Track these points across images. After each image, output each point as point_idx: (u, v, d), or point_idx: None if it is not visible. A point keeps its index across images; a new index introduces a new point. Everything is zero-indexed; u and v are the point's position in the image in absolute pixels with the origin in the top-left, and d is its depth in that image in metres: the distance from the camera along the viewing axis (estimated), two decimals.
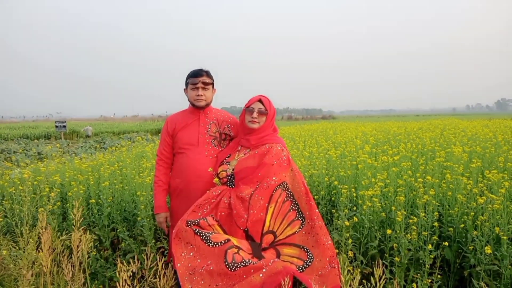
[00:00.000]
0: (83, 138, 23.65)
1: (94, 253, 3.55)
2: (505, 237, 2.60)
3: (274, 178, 2.36)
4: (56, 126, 21.74)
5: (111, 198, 3.99)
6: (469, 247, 2.76)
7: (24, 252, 2.73)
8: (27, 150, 15.24)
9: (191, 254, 2.20)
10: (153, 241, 3.64)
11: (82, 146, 16.36)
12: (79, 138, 23.85)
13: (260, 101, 2.50)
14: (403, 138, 7.35)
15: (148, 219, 3.62)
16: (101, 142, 18.98)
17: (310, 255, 2.25)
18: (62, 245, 2.99)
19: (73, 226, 2.84)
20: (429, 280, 2.60)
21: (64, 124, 21.71)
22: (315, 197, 3.80)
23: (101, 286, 3.49)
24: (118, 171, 4.71)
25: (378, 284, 1.85)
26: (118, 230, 3.78)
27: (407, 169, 3.84)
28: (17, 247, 3.35)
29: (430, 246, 2.60)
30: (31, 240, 2.70)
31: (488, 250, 2.53)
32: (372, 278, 1.90)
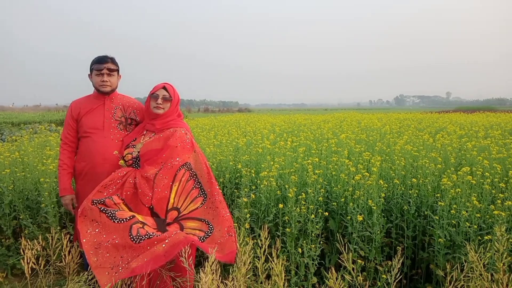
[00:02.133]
0: None
1: None
2: (375, 208, 3.11)
3: (178, 159, 2.58)
4: None
5: (12, 186, 3.89)
6: (348, 218, 3.23)
7: None
8: None
9: (97, 230, 2.34)
10: (58, 228, 3.65)
11: None
12: None
13: (164, 88, 2.69)
14: (305, 129, 7.96)
15: (52, 206, 3.62)
16: None
17: (211, 226, 2.51)
18: None
19: None
20: (313, 246, 3.02)
21: None
22: (221, 180, 4.09)
23: (2, 274, 3.43)
24: (20, 159, 4.56)
25: (264, 245, 2.17)
26: (21, 218, 3.72)
27: (301, 153, 4.29)
28: None
29: (313, 216, 3.02)
30: None
31: (360, 218, 3.02)
32: (259, 241, 2.22)
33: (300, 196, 3.19)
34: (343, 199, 3.40)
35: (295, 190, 3.26)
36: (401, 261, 2.08)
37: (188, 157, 2.63)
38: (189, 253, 2.14)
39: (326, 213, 3.18)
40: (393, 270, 2.08)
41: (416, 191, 3.43)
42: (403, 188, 3.58)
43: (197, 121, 13.24)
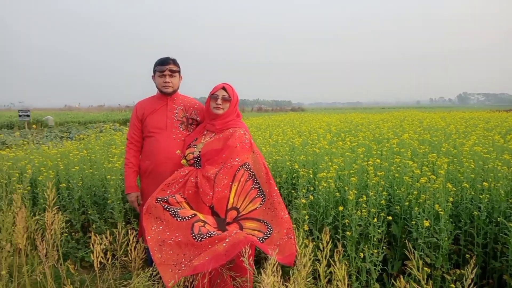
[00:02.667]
0: (48, 128, 23.08)
1: (66, 235, 3.68)
2: (442, 213, 2.94)
3: (237, 159, 2.59)
4: (20, 116, 21.12)
5: (81, 182, 4.11)
6: (412, 223, 3.08)
7: (2, 226, 2.85)
8: None
9: (161, 227, 2.41)
10: (123, 223, 3.81)
11: (47, 136, 16.05)
12: (44, 128, 23.26)
13: (224, 88, 2.72)
14: (363, 128, 7.74)
15: (118, 202, 3.78)
16: (66, 132, 18.64)
17: (270, 227, 2.50)
18: (36, 225, 3.12)
19: (46, 206, 2.97)
20: (376, 251, 2.91)
21: (27, 113, 21.13)
22: (278, 180, 4.07)
23: (73, 266, 3.63)
24: (87, 157, 4.82)
25: (326, 248, 2.11)
26: (89, 213, 3.92)
27: (361, 154, 4.16)
28: None
29: (375, 220, 2.91)
30: (9, 214, 2.82)
31: (426, 223, 2.86)
32: (320, 243, 2.16)
33: (361, 199, 3.09)
34: (407, 203, 3.25)
35: (355, 192, 3.16)
36: (474, 271, 1.93)
37: (247, 157, 2.63)
38: (249, 253, 2.13)
39: (390, 218, 3.05)
40: (465, 280, 1.94)
41: (488, 195, 3.19)
42: (472, 193, 3.36)
43: (252, 121, 13.35)
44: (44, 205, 3.91)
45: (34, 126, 17.15)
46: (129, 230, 2.51)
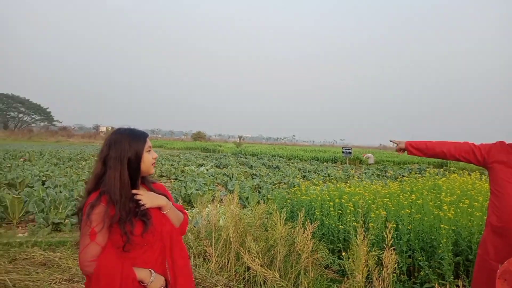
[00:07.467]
0: (365, 165, 24.92)
1: (395, 275, 3.77)
2: None
3: None
4: (343, 152, 23.95)
5: (410, 226, 4.15)
6: None
7: (356, 258, 3.20)
8: (318, 171, 17.42)
9: None
10: (452, 277, 3.57)
11: (365, 173, 17.33)
12: (362, 165, 25.28)
13: None
14: None
15: (448, 253, 3.59)
16: (382, 170, 19.53)
17: None
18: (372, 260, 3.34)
19: (381, 244, 3.13)
20: None
21: (350, 150, 23.65)
22: None
23: None
24: (416, 201, 4.84)
25: None
26: (418, 258, 3.89)
27: None
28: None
29: None
30: (362, 248, 3.15)
31: None
32: None
33: None
34: None
35: None
36: None
37: None
38: None
39: None
40: None
41: None
42: None
43: None
44: (375, 241, 4.16)
45: (348, 162, 18.90)
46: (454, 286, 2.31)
